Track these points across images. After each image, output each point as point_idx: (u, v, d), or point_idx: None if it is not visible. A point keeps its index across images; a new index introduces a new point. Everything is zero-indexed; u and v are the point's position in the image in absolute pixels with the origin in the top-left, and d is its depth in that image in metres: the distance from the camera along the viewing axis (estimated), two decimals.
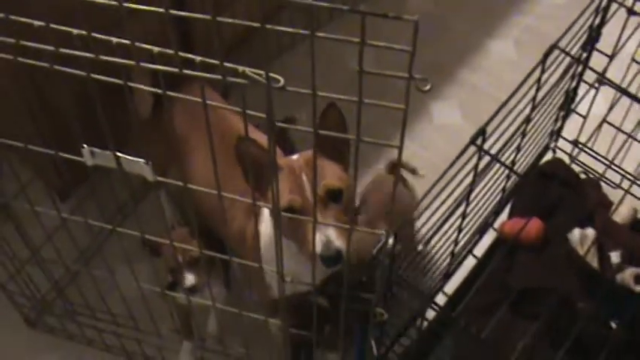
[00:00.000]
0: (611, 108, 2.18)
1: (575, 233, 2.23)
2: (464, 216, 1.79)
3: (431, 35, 3.21)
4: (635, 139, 2.27)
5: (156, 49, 1.02)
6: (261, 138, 1.84)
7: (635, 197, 2.30)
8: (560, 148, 2.47)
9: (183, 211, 2.53)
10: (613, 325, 2.07)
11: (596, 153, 2.38)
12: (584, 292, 2.06)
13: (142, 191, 2.61)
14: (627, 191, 2.18)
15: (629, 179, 2.28)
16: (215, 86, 2.22)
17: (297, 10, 2.83)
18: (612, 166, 2.33)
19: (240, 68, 0.95)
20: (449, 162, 1.57)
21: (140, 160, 1.25)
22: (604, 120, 2.28)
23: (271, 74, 0.93)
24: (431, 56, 3.11)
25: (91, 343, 2.36)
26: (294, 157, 1.77)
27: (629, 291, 2.10)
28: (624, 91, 2.05)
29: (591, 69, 2.10)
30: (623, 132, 2.27)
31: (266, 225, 1.84)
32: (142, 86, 1.13)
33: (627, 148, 2.31)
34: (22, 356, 2.41)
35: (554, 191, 2.36)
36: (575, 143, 2.41)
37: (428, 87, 0.84)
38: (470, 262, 2.21)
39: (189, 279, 2.03)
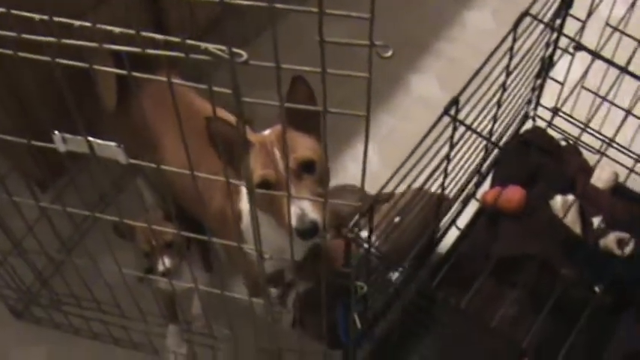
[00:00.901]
0: (585, 73, 2.17)
1: (557, 200, 2.23)
2: (443, 188, 1.79)
3: (407, 8, 3.19)
4: (612, 103, 2.26)
5: (117, 29, 1.01)
6: (230, 117, 1.84)
7: (613, 160, 2.30)
8: (539, 116, 2.47)
9: (162, 197, 2.53)
10: (597, 289, 2.07)
11: (573, 119, 2.38)
12: (567, 258, 2.06)
13: (122, 180, 2.60)
14: (603, 153, 2.18)
15: (605, 142, 2.29)
16: (185, 74, 2.20)
17: None
18: (588, 130, 2.32)
19: (203, 45, 0.94)
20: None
21: (112, 143, 1.24)
22: (577, 85, 2.27)
23: (234, 49, 0.93)
24: (408, 29, 3.10)
25: (78, 332, 2.36)
26: (266, 132, 1.77)
27: (612, 255, 2.11)
28: (598, 56, 2.05)
29: (565, 35, 2.10)
30: (598, 96, 2.26)
31: (246, 202, 1.84)
32: (106, 68, 1.12)
33: (606, 113, 2.31)
34: (11, 348, 2.41)
35: (535, 159, 2.36)
36: (554, 110, 2.41)
37: (389, 53, 0.83)
38: (453, 233, 2.22)
39: (163, 262, 2.04)
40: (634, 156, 2.28)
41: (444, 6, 3.25)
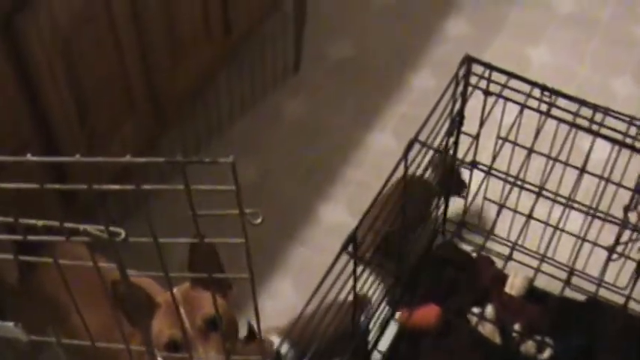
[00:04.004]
0: (479, 186, 2.22)
1: (474, 313, 2.26)
2: (354, 322, 1.80)
3: (310, 137, 3.24)
4: (513, 210, 2.31)
5: None
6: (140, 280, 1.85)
7: (523, 264, 2.34)
8: (449, 231, 2.51)
9: None
10: None
11: (480, 229, 2.42)
12: None
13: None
14: (510, 258, 2.21)
15: (508, 246, 2.33)
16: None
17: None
18: (492, 237, 2.37)
19: (82, 227, 0.96)
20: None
21: (9, 323, 1.23)
22: (474, 197, 2.31)
23: (112, 228, 0.94)
24: (313, 158, 3.14)
25: None
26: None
27: None
28: (490, 172, 2.11)
29: (457, 158, 2.16)
30: (498, 204, 2.28)
31: None
32: None
33: (511, 221, 2.36)
34: None
35: (449, 274, 2.40)
36: (460, 224, 2.45)
37: (259, 220, 0.86)
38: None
39: None
40: (537, 256, 2.33)
41: (347, 131, 3.30)
